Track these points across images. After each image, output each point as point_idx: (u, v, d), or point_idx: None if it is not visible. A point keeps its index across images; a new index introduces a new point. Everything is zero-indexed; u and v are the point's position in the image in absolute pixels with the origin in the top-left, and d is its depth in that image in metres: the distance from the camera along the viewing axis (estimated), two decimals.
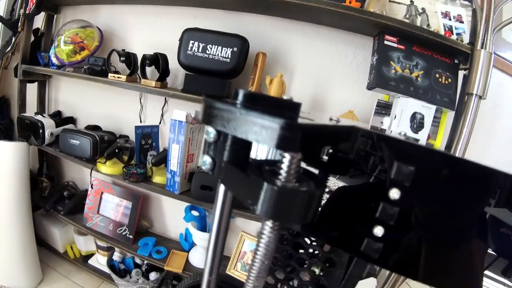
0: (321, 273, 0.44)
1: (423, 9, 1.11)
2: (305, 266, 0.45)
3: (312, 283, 0.45)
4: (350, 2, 1.01)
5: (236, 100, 0.25)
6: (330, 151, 0.29)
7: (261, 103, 0.25)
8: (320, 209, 0.28)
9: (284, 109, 0.26)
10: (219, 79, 1.12)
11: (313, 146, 0.24)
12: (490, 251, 0.28)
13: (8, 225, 1.44)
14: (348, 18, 1.00)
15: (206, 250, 0.31)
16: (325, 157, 0.30)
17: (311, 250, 0.45)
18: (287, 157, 0.21)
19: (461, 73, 1.05)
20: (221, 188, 0.28)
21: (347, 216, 0.29)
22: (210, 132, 0.26)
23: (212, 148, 0.26)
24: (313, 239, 0.44)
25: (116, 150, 1.22)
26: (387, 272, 1.27)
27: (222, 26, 1.17)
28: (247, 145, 0.25)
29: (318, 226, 0.29)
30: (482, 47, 0.98)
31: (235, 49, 1.09)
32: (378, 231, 0.26)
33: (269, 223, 0.23)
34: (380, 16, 0.97)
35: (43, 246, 1.66)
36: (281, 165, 0.21)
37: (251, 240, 1.32)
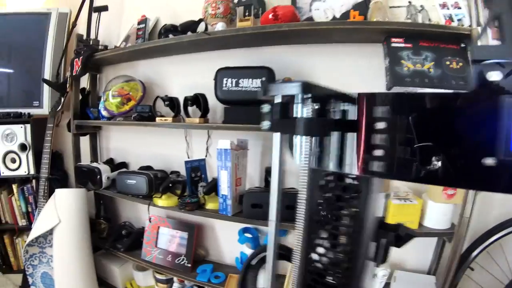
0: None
1: (421, 6, 1.30)
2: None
3: (350, 216, 0.55)
4: (354, 18, 1.25)
5: None
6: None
7: None
8: None
9: None
10: (254, 106, 1.39)
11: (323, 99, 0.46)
12: None
13: (72, 267, 1.73)
14: (355, 32, 1.23)
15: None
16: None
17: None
18: (308, 105, 0.42)
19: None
20: (276, 140, 0.49)
21: None
22: (265, 107, 0.48)
23: (267, 116, 0.48)
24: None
25: (170, 185, 1.49)
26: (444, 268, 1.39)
27: (248, 61, 1.44)
28: (286, 107, 0.46)
29: None
30: (478, 25, 1.14)
31: (263, 78, 1.35)
32: (378, 152, 0.42)
33: (305, 138, 0.44)
34: (383, 23, 1.18)
35: (103, 285, 1.93)
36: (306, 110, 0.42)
37: None
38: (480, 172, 0.37)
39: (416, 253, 1.46)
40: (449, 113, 0.39)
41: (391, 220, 1.26)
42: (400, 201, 1.27)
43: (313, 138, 0.45)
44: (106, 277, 1.94)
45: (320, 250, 0.53)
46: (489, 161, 0.37)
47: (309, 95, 0.43)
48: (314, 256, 0.53)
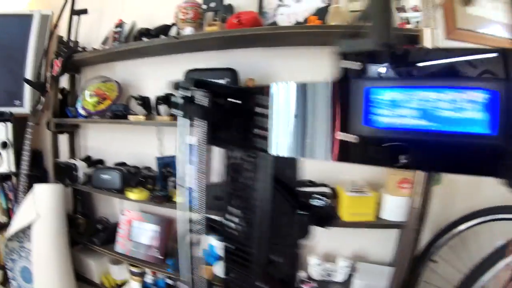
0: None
1: None
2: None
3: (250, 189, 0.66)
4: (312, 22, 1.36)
5: None
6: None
7: None
8: None
9: None
10: None
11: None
12: None
13: (50, 262, 1.79)
14: (313, 35, 1.34)
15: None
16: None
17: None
18: (205, 97, 0.54)
19: None
20: (183, 124, 0.61)
21: None
22: (176, 99, 0.59)
23: (179, 106, 0.59)
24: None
25: (142, 179, 1.60)
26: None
27: (216, 63, 1.55)
28: (188, 98, 0.58)
29: None
30: (426, 26, 1.26)
31: (227, 79, 1.47)
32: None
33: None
34: (336, 27, 1.29)
35: (81, 280, 2.00)
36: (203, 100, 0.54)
37: None
38: (337, 145, 0.48)
39: (379, 245, 1.55)
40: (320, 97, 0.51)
41: (346, 212, 1.37)
42: (354, 194, 1.35)
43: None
44: (83, 272, 2.02)
45: (235, 219, 0.64)
46: (344, 135, 0.47)
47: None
48: (231, 224, 0.64)
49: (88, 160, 1.96)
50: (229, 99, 0.57)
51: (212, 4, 1.49)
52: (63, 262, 1.84)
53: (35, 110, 2.03)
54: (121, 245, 1.80)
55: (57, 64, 1.94)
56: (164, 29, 1.61)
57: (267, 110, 0.54)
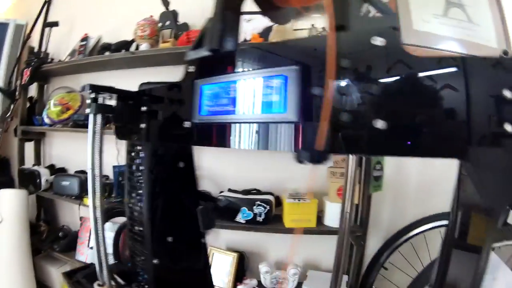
0: None
1: (323, 28, 1.47)
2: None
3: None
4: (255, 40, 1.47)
5: None
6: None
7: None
8: None
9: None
10: None
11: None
12: None
13: (12, 266, 1.84)
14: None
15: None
16: None
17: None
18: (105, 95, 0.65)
19: None
20: (92, 120, 0.67)
21: None
22: (89, 100, 0.67)
23: (92, 105, 0.65)
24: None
25: None
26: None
27: (171, 77, 1.66)
28: (93, 99, 0.65)
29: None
30: None
31: None
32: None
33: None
34: (275, 43, 1.39)
35: (42, 287, 2.06)
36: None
37: (219, 252, 1.68)
38: (183, 131, 0.58)
39: (330, 253, 1.63)
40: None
41: (287, 218, 1.45)
42: (294, 200, 1.44)
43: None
44: (44, 280, 2.06)
45: (134, 202, 0.73)
46: (186, 124, 0.57)
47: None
48: (136, 208, 0.73)
49: (52, 168, 2.04)
50: (123, 100, 0.68)
51: (167, 23, 1.61)
52: (25, 267, 1.89)
53: (4, 117, 2.12)
54: (80, 252, 1.87)
55: (27, 73, 2.04)
56: (124, 45, 1.72)
57: (147, 108, 0.66)
